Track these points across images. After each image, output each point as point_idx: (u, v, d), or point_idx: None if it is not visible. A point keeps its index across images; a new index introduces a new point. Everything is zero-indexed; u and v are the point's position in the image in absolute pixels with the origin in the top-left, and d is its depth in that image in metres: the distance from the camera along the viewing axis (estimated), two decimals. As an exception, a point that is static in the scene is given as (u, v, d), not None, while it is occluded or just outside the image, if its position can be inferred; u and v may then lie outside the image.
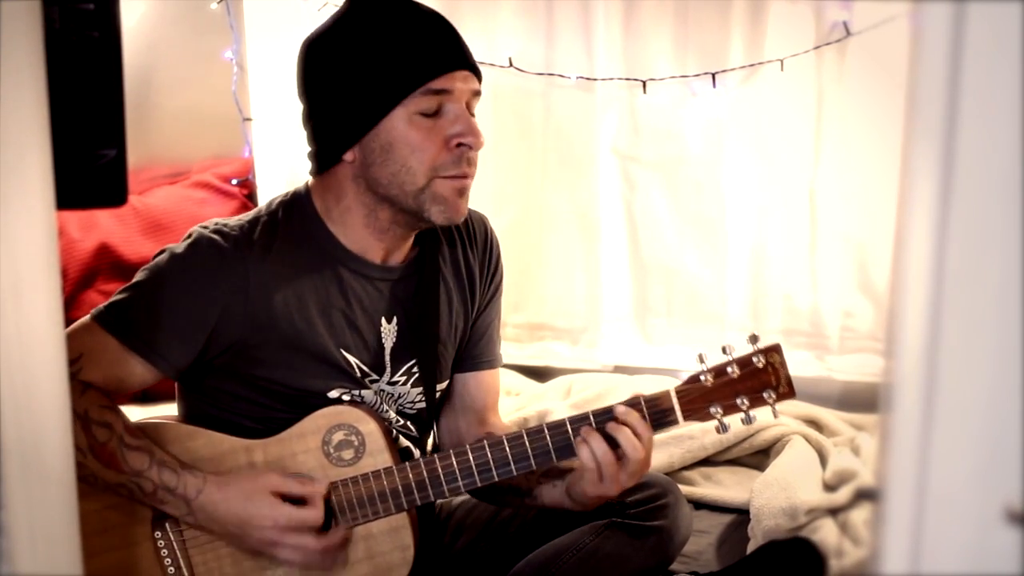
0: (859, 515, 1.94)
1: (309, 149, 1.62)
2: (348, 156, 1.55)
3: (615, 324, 2.86)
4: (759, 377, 1.54)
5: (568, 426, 1.53)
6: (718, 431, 1.55)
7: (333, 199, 1.60)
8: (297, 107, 1.62)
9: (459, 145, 1.53)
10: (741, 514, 2.14)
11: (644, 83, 2.65)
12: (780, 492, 2.04)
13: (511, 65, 2.69)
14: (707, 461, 2.37)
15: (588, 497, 1.55)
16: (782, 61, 2.57)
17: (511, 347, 2.87)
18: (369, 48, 1.52)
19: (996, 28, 0.68)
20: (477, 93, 1.57)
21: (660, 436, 2.37)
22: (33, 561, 0.84)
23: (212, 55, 2.85)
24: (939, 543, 0.72)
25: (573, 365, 2.83)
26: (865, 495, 1.83)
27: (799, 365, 2.80)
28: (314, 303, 1.57)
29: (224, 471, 1.54)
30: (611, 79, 2.68)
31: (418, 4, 1.58)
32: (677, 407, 1.53)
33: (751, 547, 1.98)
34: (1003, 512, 0.70)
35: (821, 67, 2.58)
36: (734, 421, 1.55)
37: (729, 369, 1.54)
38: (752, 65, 2.61)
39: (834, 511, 2.01)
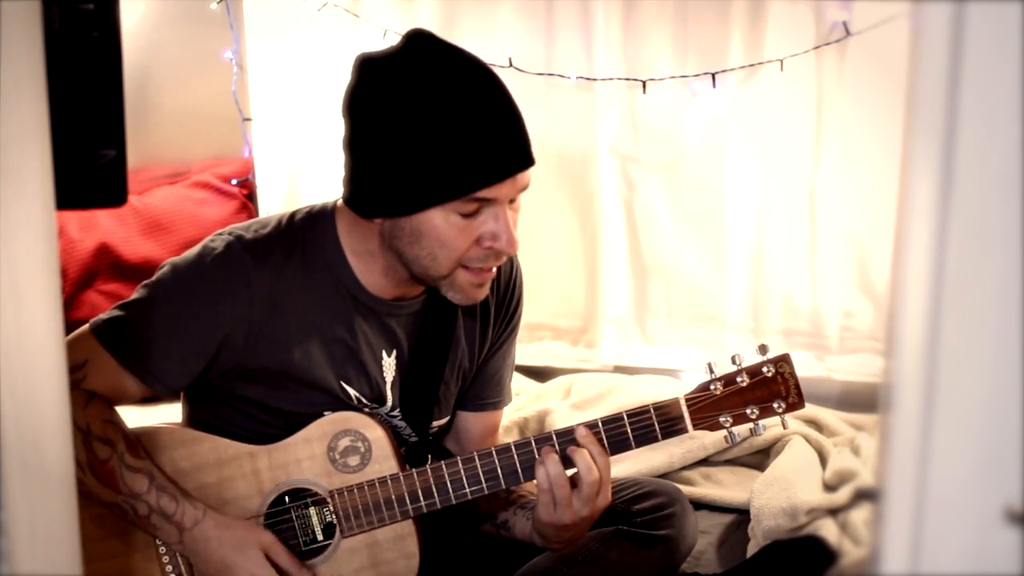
0: (859, 515, 1.94)
1: (345, 175, 1.54)
2: (377, 220, 1.51)
3: (615, 324, 2.86)
4: (769, 387, 1.55)
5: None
6: (726, 441, 1.57)
7: (359, 238, 1.55)
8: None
9: (490, 247, 1.48)
10: (741, 514, 2.14)
11: (644, 83, 2.65)
12: (780, 492, 2.04)
13: (511, 65, 2.69)
14: (707, 461, 2.37)
15: (543, 525, 1.52)
16: (782, 61, 2.57)
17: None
18: (426, 131, 1.42)
19: (996, 28, 0.68)
20: (525, 187, 1.51)
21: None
22: (33, 561, 0.84)
23: (212, 55, 2.85)
24: (939, 543, 0.72)
25: (573, 365, 2.82)
26: (865, 495, 1.83)
27: (799, 365, 2.79)
28: (317, 333, 1.55)
29: (227, 477, 1.54)
30: (611, 79, 2.68)
31: (494, 88, 1.46)
32: (687, 415, 1.53)
33: (751, 547, 1.98)
34: (1003, 512, 0.70)
35: (821, 67, 2.58)
36: (743, 431, 1.55)
37: (739, 378, 1.54)
38: (752, 65, 2.60)
39: (834, 511, 2.00)
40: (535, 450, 1.53)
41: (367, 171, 1.49)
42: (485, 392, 1.76)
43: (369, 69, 1.48)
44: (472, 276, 1.51)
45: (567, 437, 1.52)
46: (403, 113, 1.43)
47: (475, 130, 1.43)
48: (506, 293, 1.72)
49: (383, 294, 1.58)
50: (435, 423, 1.69)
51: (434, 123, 1.42)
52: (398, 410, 1.65)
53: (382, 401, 1.63)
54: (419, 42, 1.47)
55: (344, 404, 1.59)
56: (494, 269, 1.53)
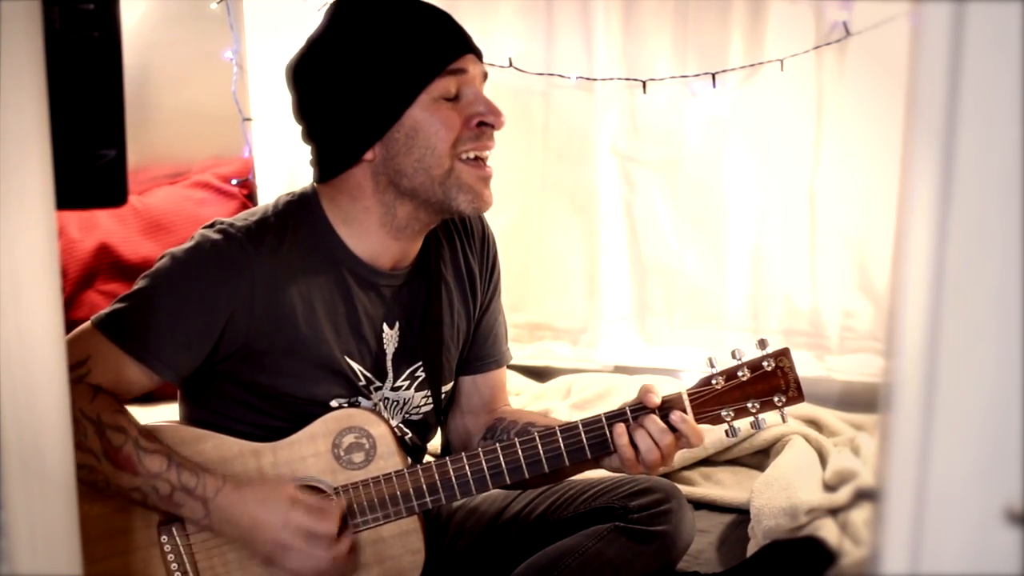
0: (859, 515, 1.94)
1: (313, 159, 1.62)
2: (368, 155, 1.55)
3: (615, 324, 2.86)
4: (769, 381, 1.56)
5: (580, 428, 1.55)
6: (727, 435, 1.58)
7: (347, 201, 1.59)
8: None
9: (480, 124, 1.55)
10: (741, 514, 2.14)
11: (644, 83, 2.65)
12: (780, 492, 2.04)
13: (511, 65, 2.69)
14: (707, 461, 2.37)
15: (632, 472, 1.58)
16: (782, 61, 2.57)
17: (511, 347, 2.87)
18: (381, 43, 1.53)
19: (996, 28, 0.68)
20: (486, 75, 1.60)
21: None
22: (33, 561, 0.84)
23: (212, 55, 2.85)
24: (939, 543, 0.72)
25: (573, 365, 2.82)
26: (865, 495, 1.83)
27: (799, 365, 2.80)
28: (320, 309, 1.57)
29: (231, 475, 1.54)
30: (611, 79, 2.68)
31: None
32: (689, 409, 1.55)
33: (751, 547, 1.98)
34: (1003, 512, 0.70)
35: (821, 67, 2.58)
36: (743, 425, 1.57)
37: (740, 373, 1.56)
38: (752, 65, 2.61)
39: (834, 511, 2.01)
40: (539, 445, 1.54)
41: (340, 120, 1.56)
42: (484, 351, 1.79)
43: (299, 62, 1.62)
44: (474, 168, 1.56)
45: (572, 432, 1.55)
46: (351, 42, 1.55)
47: (425, 18, 1.56)
48: (483, 250, 1.77)
49: (380, 261, 1.61)
50: (444, 388, 1.72)
51: (386, 27, 1.54)
52: (400, 382, 1.66)
53: (383, 376, 1.64)
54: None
55: (349, 384, 1.59)
56: (491, 167, 1.58)
